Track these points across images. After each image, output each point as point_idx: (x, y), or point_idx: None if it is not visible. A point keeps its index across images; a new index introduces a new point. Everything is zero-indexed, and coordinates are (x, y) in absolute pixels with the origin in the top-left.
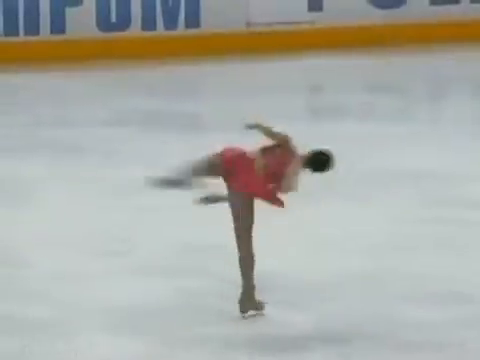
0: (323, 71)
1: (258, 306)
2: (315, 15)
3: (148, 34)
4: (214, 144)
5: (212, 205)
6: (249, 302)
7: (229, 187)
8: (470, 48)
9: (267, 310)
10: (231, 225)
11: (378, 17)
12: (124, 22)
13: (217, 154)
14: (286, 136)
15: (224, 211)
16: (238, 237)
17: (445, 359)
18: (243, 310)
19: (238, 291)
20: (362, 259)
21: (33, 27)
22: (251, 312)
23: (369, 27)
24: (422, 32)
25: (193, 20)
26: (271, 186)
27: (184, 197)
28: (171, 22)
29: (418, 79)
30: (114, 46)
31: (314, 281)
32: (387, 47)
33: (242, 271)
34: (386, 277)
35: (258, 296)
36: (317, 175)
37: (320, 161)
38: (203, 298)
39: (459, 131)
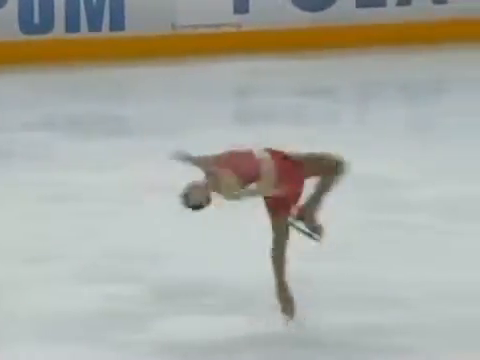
0: (251, 74)
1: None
2: (241, 17)
3: (72, 36)
4: (141, 148)
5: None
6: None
7: None
8: (398, 51)
9: (201, 314)
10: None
11: (304, 20)
12: (47, 24)
13: None
14: None
15: (159, 219)
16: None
17: None
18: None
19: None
20: (299, 263)
21: None
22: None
23: (296, 30)
24: (349, 35)
25: (118, 22)
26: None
27: (114, 203)
28: (95, 24)
29: (347, 82)
30: (37, 48)
31: (248, 285)
32: (314, 50)
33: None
34: (323, 281)
35: (200, 299)
36: None
37: None
38: (135, 305)
39: (389, 134)
